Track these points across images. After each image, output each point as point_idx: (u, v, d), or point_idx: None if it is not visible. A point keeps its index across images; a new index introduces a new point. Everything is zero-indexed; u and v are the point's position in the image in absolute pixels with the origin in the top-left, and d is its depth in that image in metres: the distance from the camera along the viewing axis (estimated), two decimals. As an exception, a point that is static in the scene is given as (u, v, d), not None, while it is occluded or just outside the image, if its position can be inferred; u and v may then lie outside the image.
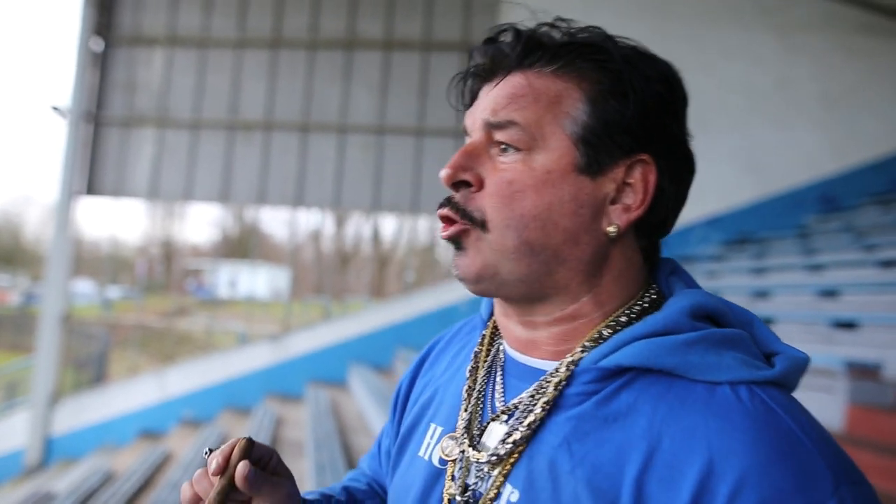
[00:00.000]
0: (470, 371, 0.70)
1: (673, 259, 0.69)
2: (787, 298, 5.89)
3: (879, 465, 2.99)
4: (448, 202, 0.63)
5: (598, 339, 0.61)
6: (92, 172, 10.91)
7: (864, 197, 8.40)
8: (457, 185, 0.63)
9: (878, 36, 8.91)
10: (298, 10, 10.73)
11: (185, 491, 0.68)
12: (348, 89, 10.57)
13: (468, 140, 0.65)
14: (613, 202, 0.61)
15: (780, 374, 0.57)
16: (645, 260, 0.66)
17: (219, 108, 10.79)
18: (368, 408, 6.94)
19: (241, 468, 0.65)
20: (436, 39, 10.43)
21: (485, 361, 0.70)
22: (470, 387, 0.69)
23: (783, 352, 0.60)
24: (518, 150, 0.61)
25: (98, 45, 10.98)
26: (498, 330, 0.71)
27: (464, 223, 0.62)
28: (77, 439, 10.14)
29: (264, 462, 0.70)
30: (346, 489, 0.87)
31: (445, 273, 12.47)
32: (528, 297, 0.63)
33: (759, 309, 5.84)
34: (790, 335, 4.95)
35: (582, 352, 0.61)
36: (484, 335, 0.73)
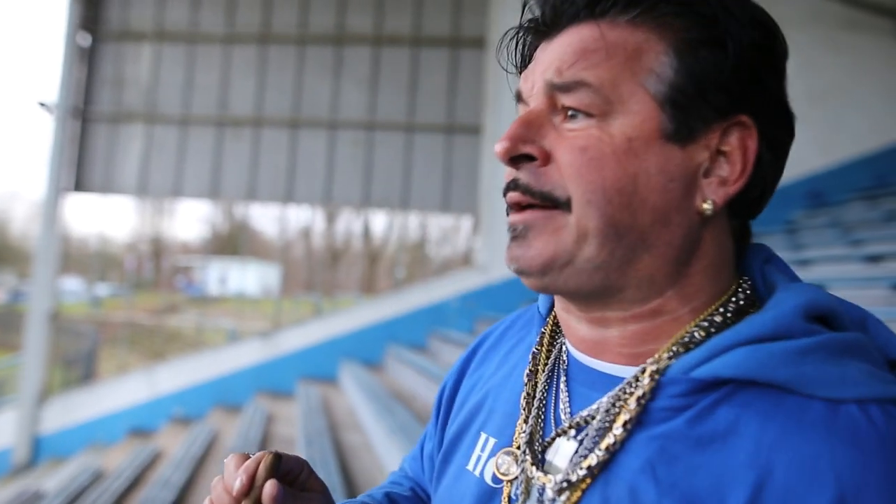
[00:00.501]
0: (528, 375, 0.60)
1: (765, 245, 0.61)
2: (774, 293, 5.94)
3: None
4: (516, 185, 0.53)
5: (688, 343, 0.51)
6: (80, 169, 10.83)
7: (851, 192, 8.48)
8: (516, 161, 0.53)
9: (862, 32, 8.99)
10: (287, 5, 10.68)
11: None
12: (338, 85, 10.54)
13: (523, 110, 0.56)
14: (707, 174, 0.52)
15: None
16: (738, 246, 0.57)
17: (208, 103, 10.73)
18: (359, 404, 6.95)
19: (269, 488, 0.57)
20: (425, 35, 10.42)
21: (545, 364, 0.60)
22: (529, 394, 0.59)
23: None
24: (591, 115, 0.51)
25: (85, 40, 10.88)
26: (559, 327, 0.62)
27: (543, 207, 0.52)
28: (66, 438, 10.08)
29: (293, 476, 0.63)
30: (387, 496, 0.77)
31: (436, 269, 12.49)
32: (603, 289, 0.52)
33: (747, 304, 5.89)
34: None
35: (669, 358, 0.51)
36: (543, 332, 0.63)
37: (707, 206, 0.51)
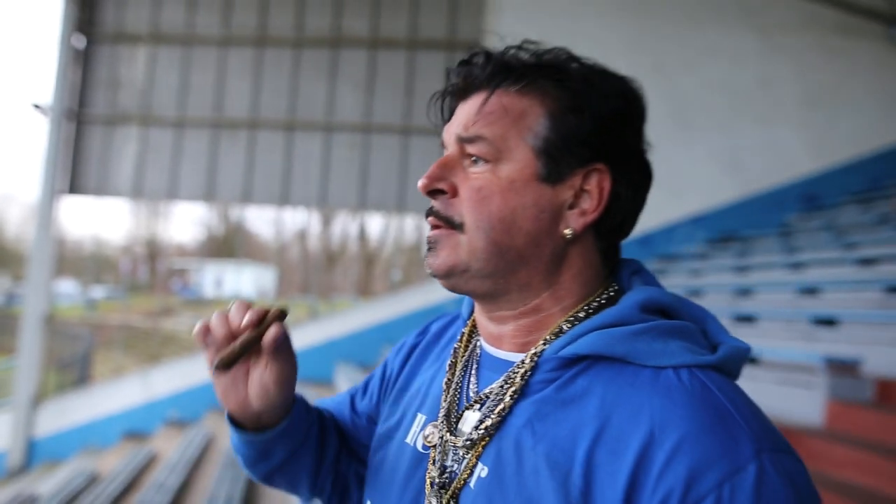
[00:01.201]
0: (449, 365, 0.77)
1: (636, 260, 0.74)
2: (768, 296, 5.97)
3: (858, 459, 3.05)
4: (431, 210, 0.70)
5: (559, 333, 0.67)
6: (74, 171, 10.80)
7: (845, 196, 8.52)
8: (433, 193, 0.70)
9: (855, 36, 9.04)
10: (283, 7, 10.68)
11: (201, 328, 0.73)
12: (334, 87, 10.54)
13: (445, 153, 0.72)
14: (572, 207, 0.67)
15: (720, 359, 0.62)
16: (605, 260, 0.71)
17: (203, 106, 10.72)
18: (355, 407, 6.93)
19: (275, 330, 0.71)
20: (422, 37, 10.43)
21: (463, 356, 0.77)
22: (449, 379, 0.75)
23: (728, 342, 0.65)
24: (487, 161, 0.67)
25: (80, 42, 10.86)
26: (476, 328, 0.78)
27: (446, 227, 0.68)
28: (61, 441, 10.04)
29: (287, 338, 0.75)
30: (318, 411, 0.91)
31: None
32: (493, 292, 0.69)
33: (741, 307, 5.91)
34: (771, 332, 5.02)
35: (544, 344, 0.67)
36: (463, 332, 0.80)
37: (568, 231, 0.67)
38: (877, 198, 7.89)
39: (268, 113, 10.61)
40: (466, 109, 0.69)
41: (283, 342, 0.73)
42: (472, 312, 0.81)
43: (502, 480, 0.63)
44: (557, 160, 0.66)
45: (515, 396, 0.66)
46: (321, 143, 10.51)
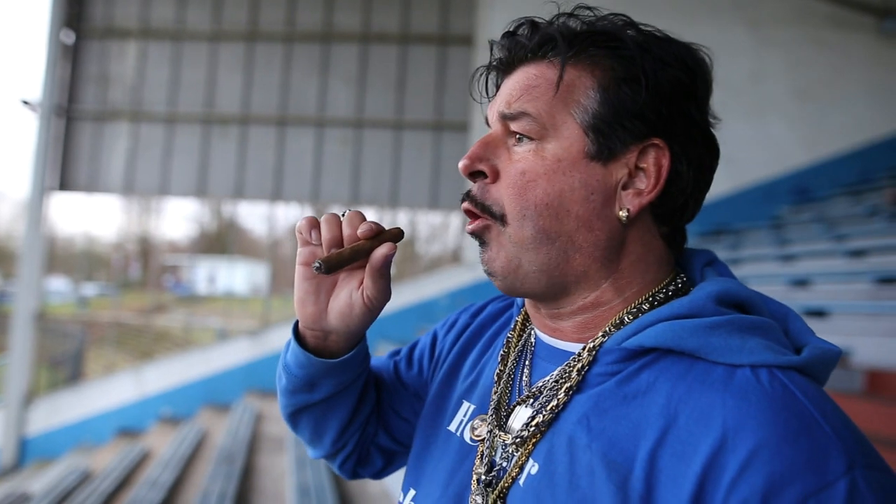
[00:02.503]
0: (501, 356, 0.72)
1: (709, 251, 0.69)
2: (760, 288, 5.91)
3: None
4: (467, 195, 0.65)
5: (620, 325, 0.62)
6: (65, 167, 10.73)
7: (836, 188, 8.57)
8: (474, 175, 0.65)
9: (846, 29, 9.08)
10: (274, 2, 10.63)
11: (307, 219, 0.70)
12: (325, 83, 10.50)
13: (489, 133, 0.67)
14: (626, 187, 0.62)
15: (805, 360, 0.56)
16: (670, 246, 0.66)
17: (194, 101, 10.66)
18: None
19: (387, 247, 0.67)
20: (413, 32, 10.40)
21: (516, 346, 0.73)
22: (500, 370, 0.71)
23: (815, 343, 0.59)
24: (531, 139, 0.62)
25: (69, 37, 10.78)
26: (529, 316, 0.73)
27: (485, 218, 0.64)
28: (53, 439, 10.00)
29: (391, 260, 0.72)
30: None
31: (425, 266, 12.49)
32: (551, 288, 0.63)
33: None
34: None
35: (603, 336, 0.62)
36: (517, 321, 0.75)
37: (623, 213, 0.61)
38: (867, 190, 7.94)
39: (259, 108, 10.57)
40: (511, 84, 0.64)
41: (389, 265, 0.68)
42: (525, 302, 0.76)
43: (553, 479, 0.59)
44: (608, 136, 0.60)
45: (570, 392, 0.61)
46: (313, 139, 10.48)
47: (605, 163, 0.61)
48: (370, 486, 5.19)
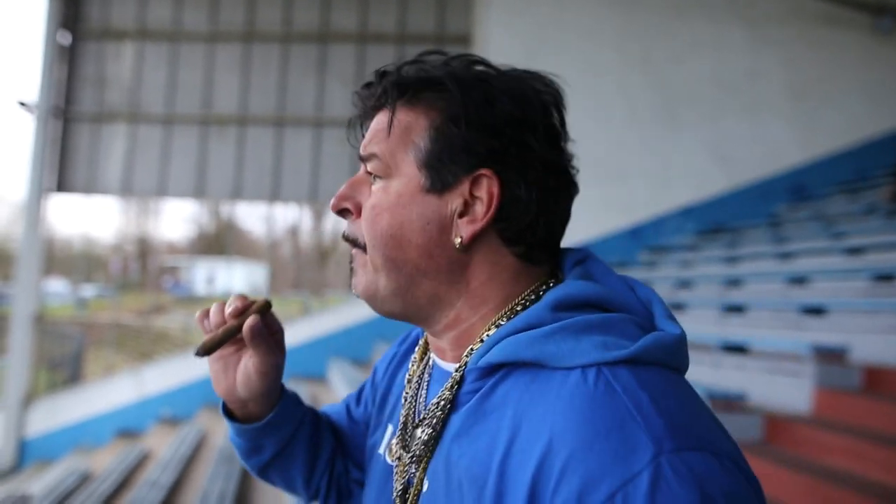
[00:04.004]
0: (407, 379, 0.78)
1: (584, 249, 0.71)
2: (758, 286, 6.02)
3: (846, 446, 3.09)
4: (344, 232, 0.72)
5: (481, 343, 0.66)
6: (62, 169, 10.72)
7: (832, 186, 8.60)
8: (342, 212, 0.72)
9: (842, 27, 9.10)
10: (271, 3, 10.62)
11: (200, 313, 0.78)
12: (323, 83, 10.51)
13: None
14: (463, 215, 0.66)
15: (633, 352, 0.56)
16: (532, 262, 0.68)
17: (192, 102, 10.65)
18: (349, 402, 6.94)
19: (252, 320, 0.74)
20: (410, 32, 10.40)
21: (418, 369, 0.78)
22: (406, 392, 0.76)
23: (659, 330, 0.61)
24: (381, 178, 0.68)
25: (65, 38, 10.76)
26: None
27: (354, 248, 0.70)
28: (53, 441, 9.99)
29: (272, 329, 0.79)
30: (315, 412, 0.94)
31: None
32: (408, 308, 0.69)
33: (731, 297, 5.96)
34: (760, 322, 5.07)
35: (467, 356, 0.66)
36: (420, 345, 0.80)
37: (457, 240, 0.65)
38: (864, 188, 7.97)
39: (257, 109, 10.57)
40: (368, 130, 0.72)
41: (260, 334, 0.75)
42: None
43: (436, 495, 0.63)
44: (439, 170, 0.65)
45: (447, 409, 0.65)
46: (311, 139, 10.48)
47: (440, 195, 0.66)
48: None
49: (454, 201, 0.65)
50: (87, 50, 10.84)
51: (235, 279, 21.53)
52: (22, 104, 10.71)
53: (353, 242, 0.70)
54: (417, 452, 0.67)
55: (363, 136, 0.74)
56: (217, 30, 10.66)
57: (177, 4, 10.75)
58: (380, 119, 0.70)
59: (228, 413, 0.83)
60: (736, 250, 7.52)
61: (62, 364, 12.68)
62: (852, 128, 8.91)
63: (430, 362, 0.75)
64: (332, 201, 0.71)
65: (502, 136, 0.65)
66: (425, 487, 0.66)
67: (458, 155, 0.65)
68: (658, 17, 9.37)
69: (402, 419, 0.74)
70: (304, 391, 8.41)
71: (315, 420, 0.91)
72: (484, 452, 0.58)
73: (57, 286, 16.85)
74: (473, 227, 0.65)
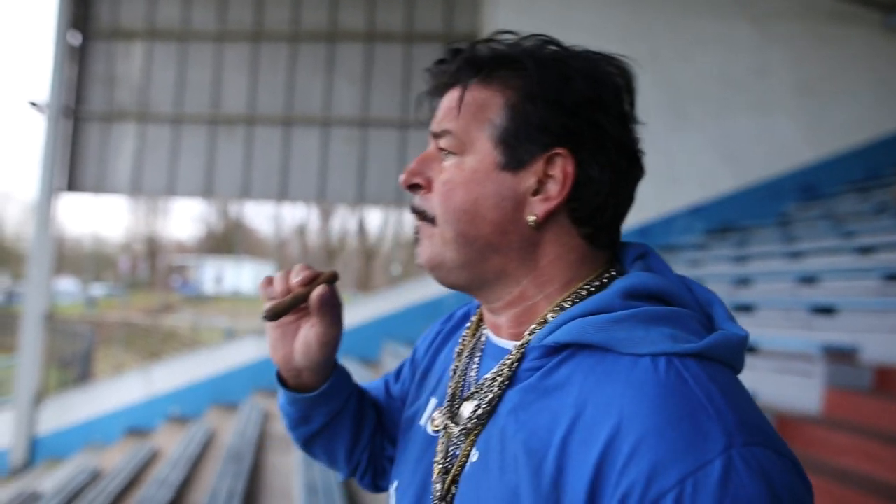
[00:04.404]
0: (457, 354, 0.80)
1: (643, 245, 0.73)
2: (767, 285, 5.99)
3: (856, 446, 3.07)
4: (412, 205, 0.74)
5: (544, 323, 0.68)
6: (72, 168, 10.79)
7: (843, 185, 8.53)
8: (412, 187, 0.73)
9: (850, 24, 9.03)
10: (279, 2, 10.65)
11: (265, 280, 0.79)
12: (331, 82, 10.53)
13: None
14: (537, 193, 0.67)
15: (703, 347, 0.59)
16: (595, 245, 0.70)
17: (200, 102, 10.70)
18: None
19: (321, 289, 0.76)
20: (418, 31, 10.41)
21: (469, 344, 0.80)
22: (455, 366, 0.78)
23: (723, 329, 0.63)
24: (454, 154, 0.70)
25: (76, 38, 10.83)
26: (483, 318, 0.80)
27: (422, 220, 0.72)
28: (63, 438, 10.07)
29: (334, 302, 0.80)
30: (360, 388, 0.96)
31: (431, 265, 12.49)
32: (473, 283, 0.71)
33: (740, 296, 5.93)
34: (770, 321, 5.04)
35: (529, 334, 0.68)
36: (472, 321, 0.82)
37: (531, 217, 0.67)
38: (874, 186, 7.90)
39: (265, 108, 10.60)
40: (440, 106, 0.72)
41: (328, 303, 0.77)
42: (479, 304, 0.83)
43: (488, 465, 0.65)
44: (515, 148, 0.67)
45: (504, 386, 0.67)
46: (319, 138, 10.50)
47: (515, 172, 0.67)
48: (378, 484, 5.21)
49: (528, 179, 0.67)
50: (97, 50, 10.91)
51: (243, 278, 21.62)
52: (33, 104, 10.80)
53: (422, 215, 0.72)
54: (469, 425, 0.68)
55: (431, 111, 0.75)
56: (225, 29, 10.70)
57: (186, 4, 10.80)
58: (453, 96, 0.71)
59: (282, 381, 0.85)
60: (745, 249, 7.48)
61: (72, 362, 12.77)
62: (862, 125, 8.84)
63: (483, 338, 0.77)
64: (403, 176, 0.73)
65: (577, 115, 0.66)
66: (474, 458, 0.67)
67: (534, 133, 0.66)
68: (665, 15, 9.33)
69: (449, 391, 0.76)
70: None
71: (360, 395, 0.93)
72: (544, 429, 0.61)
73: (67, 285, 16.98)
74: (548, 205, 0.67)
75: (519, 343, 0.68)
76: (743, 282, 6.27)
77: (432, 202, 0.71)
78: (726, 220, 9.00)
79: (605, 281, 0.69)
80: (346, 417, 0.89)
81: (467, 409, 0.71)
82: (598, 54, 0.69)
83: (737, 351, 0.63)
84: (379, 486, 0.97)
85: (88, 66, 10.88)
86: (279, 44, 10.62)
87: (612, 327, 0.61)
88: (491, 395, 0.67)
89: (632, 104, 0.69)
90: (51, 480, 8.43)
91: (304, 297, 0.76)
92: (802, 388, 3.79)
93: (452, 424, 0.71)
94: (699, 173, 9.05)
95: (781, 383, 3.96)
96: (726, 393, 0.57)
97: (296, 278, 0.77)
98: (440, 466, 0.71)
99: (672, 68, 9.15)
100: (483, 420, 0.68)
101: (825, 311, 4.56)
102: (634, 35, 9.21)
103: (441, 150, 0.71)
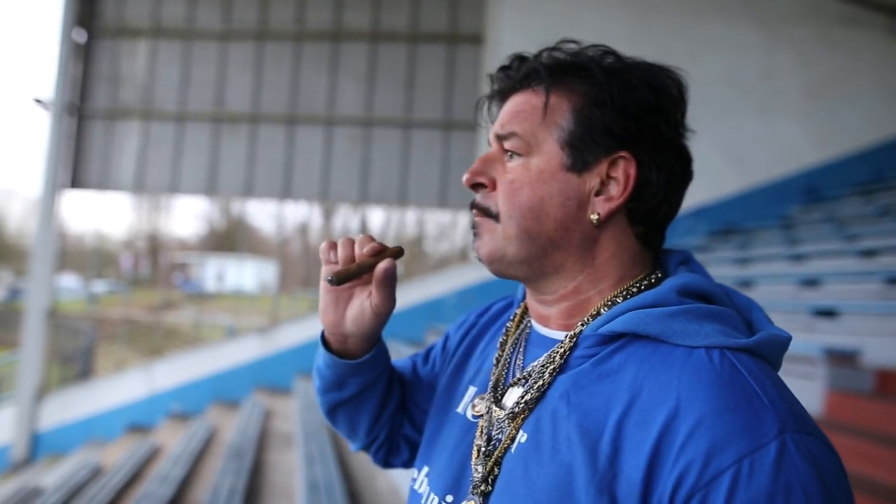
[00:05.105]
0: (500, 343, 0.83)
1: (686, 251, 0.78)
2: (770, 288, 5.98)
3: (857, 448, 3.06)
4: (473, 202, 0.77)
5: (597, 315, 0.72)
6: (76, 165, 10.82)
7: (847, 188, 8.52)
8: (475, 187, 0.77)
9: (858, 28, 9.01)
10: (284, 1, 10.66)
11: (327, 243, 0.82)
12: (335, 81, 10.53)
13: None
14: (599, 194, 0.71)
15: (754, 343, 0.64)
16: (645, 245, 0.75)
17: (204, 100, 10.72)
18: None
19: (387, 262, 0.79)
20: (422, 31, 10.41)
21: (513, 335, 0.83)
22: (499, 355, 0.82)
23: (768, 330, 0.68)
24: (520, 155, 0.73)
25: (81, 36, 10.86)
26: (528, 309, 0.84)
27: (483, 217, 0.75)
28: (64, 434, 10.09)
29: (396, 277, 0.83)
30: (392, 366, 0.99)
31: (433, 265, 12.50)
32: (532, 276, 0.75)
33: (742, 298, 5.91)
34: (772, 324, 5.02)
35: (582, 325, 0.72)
36: (516, 313, 0.86)
37: (594, 216, 0.71)
38: (878, 190, 7.89)
39: (269, 107, 10.61)
40: (504, 110, 0.76)
41: (391, 277, 0.80)
42: (524, 296, 0.87)
43: (539, 446, 0.68)
44: (581, 150, 0.70)
45: (555, 373, 0.70)
46: (322, 137, 10.51)
47: (580, 173, 0.71)
48: (379, 482, 5.22)
49: (592, 180, 0.71)
50: (102, 47, 10.94)
51: (245, 276, 21.64)
52: (37, 101, 10.83)
53: (485, 212, 0.74)
54: (516, 409, 0.71)
55: (492, 117, 0.79)
56: (230, 28, 10.72)
57: (190, 3, 10.82)
58: (518, 100, 0.75)
59: (325, 344, 0.88)
60: (748, 251, 7.47)
61: (74, 359, 12.79)
62: (867, 129, 8.83)
63: (528, 329, 0.81)
64: (466, 176, 0.76)
65: (639, 121, 0.70)
66: (522, 439, 0.70)
67: (599, 136, 0.70)
68: (671, 17, 9.32)
69: (493, 379, 0.79)
70: (314, 389, 8.45)
71: (391, 372, 0.96)
72: (599, 411, 0.64)
73: (69, 281, 17.01)
74: (610, 205, 0.71)
75: (571, 333, 0.72)
76: (745, 284, 6.25)
77: (496, 200, 0.74)
78: (729, 221, 8.99)
79: (653, 281, 0.74)
80: (377, 390, 0.92)
81: (514, 394, 0.74)
82: (655, 66, 0.74)
83: (781, 351, 0.68)
84: (390, 462, 1.00)
85: (93, 63, 10.91)
86: (283, 43, 10.64)
87: (669, 320, 0.65)
88: (541, 382, 0.71)
89: (684, 114, 0.74)
90: (52, 476, 8.45)
91: (369, 268, 0.78)
92: (804, 391, 3.78)
93: (497, 409, 0.74)
94: (704, 175, 8.84)
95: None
96: (776, 385, 0.61)
97: (363, 247, 0.80)
98: (484, 449, 0.74)
99: (679, 70, 9.12)
100: (531, 405, 0.71)
101: (827, 313, 4.55)
102: (641, 37, 9.19)
103: (506, 151, 0.74)
